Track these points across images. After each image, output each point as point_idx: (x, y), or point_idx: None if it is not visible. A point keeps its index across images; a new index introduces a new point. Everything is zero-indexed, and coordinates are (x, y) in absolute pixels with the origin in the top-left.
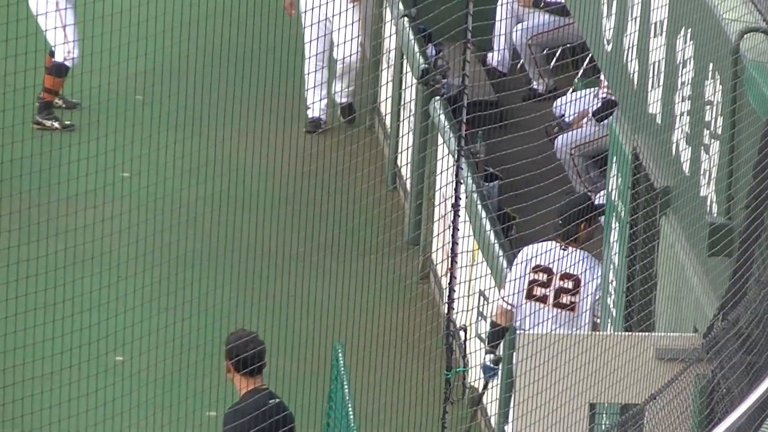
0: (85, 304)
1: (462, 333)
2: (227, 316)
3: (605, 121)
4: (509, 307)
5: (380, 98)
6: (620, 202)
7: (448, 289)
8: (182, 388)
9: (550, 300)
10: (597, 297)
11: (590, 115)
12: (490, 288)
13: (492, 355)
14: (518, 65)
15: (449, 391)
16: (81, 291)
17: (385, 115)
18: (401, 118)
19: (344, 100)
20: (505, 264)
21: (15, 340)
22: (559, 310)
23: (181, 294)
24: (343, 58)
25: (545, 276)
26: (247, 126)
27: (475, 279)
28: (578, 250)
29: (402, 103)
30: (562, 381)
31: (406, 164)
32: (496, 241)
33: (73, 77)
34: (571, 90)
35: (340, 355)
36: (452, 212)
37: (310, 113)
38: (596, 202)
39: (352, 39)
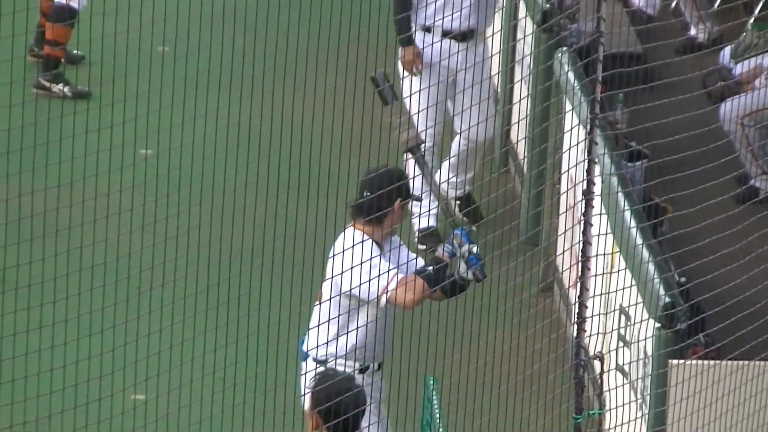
0: (92, 326)
1: (597, 363)
2: (286, 341)
3: None
4: None
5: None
6: None
7: (577, 305)
8: None
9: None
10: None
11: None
12: (634, 304)
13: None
14: (671, 6)
15: None
16: (87, 308)
17: (495, 74)
18: (515, 78)
19: (461, 191)
20: (653, 271)
21: (1, 372)
22: (315, 305)
23: (223, 311)
24: (469, 134)
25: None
26: (317, 85)
27: (614, 292)
28: (351, 228)
29: (516, 58)
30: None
31: (523, 139)
32: (641, 242)
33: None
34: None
35: (434, 393)
36: (583, 202)
37: (417, 223)
38: None
39: (482, 106)
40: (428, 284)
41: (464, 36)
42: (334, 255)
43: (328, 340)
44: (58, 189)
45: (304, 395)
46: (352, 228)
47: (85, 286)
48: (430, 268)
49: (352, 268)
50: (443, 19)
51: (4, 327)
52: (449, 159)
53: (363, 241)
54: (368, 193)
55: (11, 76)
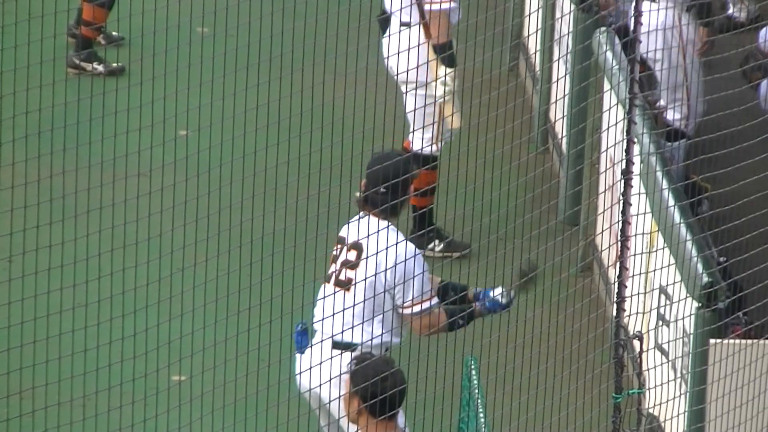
0: (129, 305)
1: (636, 342)
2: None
3: None
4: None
5: (526, 31)
6: None
7: (617, 285)
8: (261, 417)
9: (333, 278)
10: (391, 277)
11: None
12: (674, 283)
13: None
14: None
15: (619, 420)
16: (123, 287)
17: (534, 53)
18: (555, 57)
19: None
20: (693, 250)
21: (35, 352)
22: (338, 290)
23: (258, 291)
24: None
25: (339, 249)
26: (358, 66)
27: (654, 271)
28: (373, 217)
29: (556, 37)
30: None
31: (562, 118)
32: (681, 221)
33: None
34: None
35: (473, 373)
36: (622, 182)
37: None
38: None
39: None
40: (448, 327)
41: None
42: (377, 252)
43: (358, 325)
44: (89, 168)
45: (331, 379)
46: (377, 220)
47: (120, 264)
48: (460, 315)
49: (405, 280)
50: None
51: (50, 305)
52: None
53: (406, 240)
54: (383, 183)
55: (49, 53)
